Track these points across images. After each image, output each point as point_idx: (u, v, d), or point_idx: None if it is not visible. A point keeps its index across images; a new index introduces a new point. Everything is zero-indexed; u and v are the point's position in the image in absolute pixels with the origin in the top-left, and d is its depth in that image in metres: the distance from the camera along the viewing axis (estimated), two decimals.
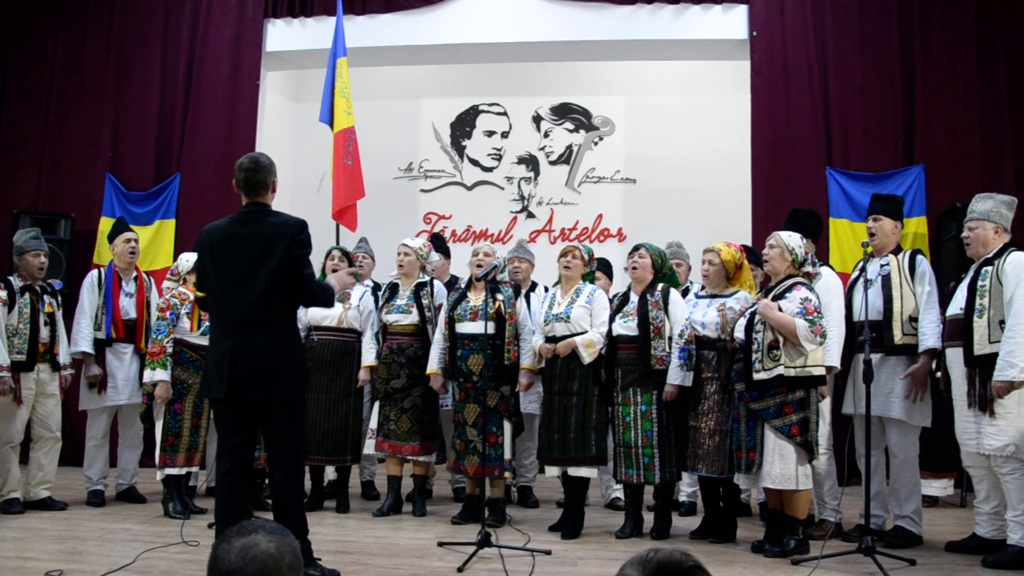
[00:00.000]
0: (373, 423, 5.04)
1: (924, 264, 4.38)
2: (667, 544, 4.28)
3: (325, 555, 3.71)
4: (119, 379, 5.33)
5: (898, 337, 4.30)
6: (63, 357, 5.21)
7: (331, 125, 6.47)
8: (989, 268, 4.02)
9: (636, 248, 4.68)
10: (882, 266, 4.40)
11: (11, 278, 5.03)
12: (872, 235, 4.50)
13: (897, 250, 4.48)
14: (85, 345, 5.27)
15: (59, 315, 5.22)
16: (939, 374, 4.26)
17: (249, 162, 3.54)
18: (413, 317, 5.05)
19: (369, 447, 5.06)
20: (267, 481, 5.21)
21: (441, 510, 5.14)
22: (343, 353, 5.14)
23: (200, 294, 3.77)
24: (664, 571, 1.44)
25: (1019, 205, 4.31)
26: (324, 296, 3.65)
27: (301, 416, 3.57)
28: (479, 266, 4.83)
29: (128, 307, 5.39)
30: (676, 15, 7.06)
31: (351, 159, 6.41)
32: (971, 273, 4.12)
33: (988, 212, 4.13)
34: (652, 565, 1.45)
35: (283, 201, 3.69)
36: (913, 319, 4.30)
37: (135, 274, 5.49)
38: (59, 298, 5.29)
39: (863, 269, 4.42)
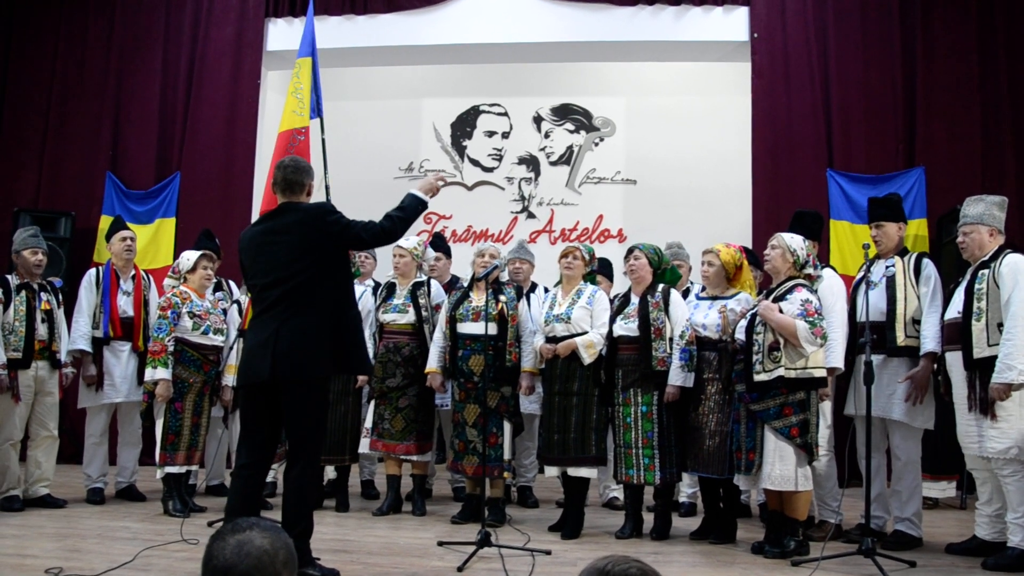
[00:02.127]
0: (368, 422, 5.04)
1: (929, 267, 4.35)
2: (667, 546, 4.29)
3: (324, 554, 3.71)
4: (117, 377, 5.32)
5: (901, 339, 4.29)
6: (64, 355, 5.21)
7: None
8: (985, 271, 4.01)
9: (630, 251, 4.68)
10: (887, 267, 4.38)
11: (9, 276, 5.03)
12: (877, 243, 4.49)
13: (903, 252, 4.46)
14: (83, 343, 5.27)
15: (60, 313, 5.22)
16: (940, 377, 4.25)
17: (290, 161, 3.69)
18: (410, 316, 5.05)
19: (363, 446, 5.05)
20: (265, 479, 5.21)
21: (441, 510, 5.13)
22: None
23: None
24: None
25: (1011, 205, 4.29)
26: (405, 215, 3.53)
27: (317, 411, 3.52)
28: (484, 266, 4.83)
29: (126, 305, 5.38)
30: (677, 16, 7.06)
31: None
32: (968, 276, 4.11)
33: (981, 215, 4.12)
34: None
35: None
36: (916, 321, 4.28)
37: (133, 272, 5.48)
38: (60, 296, 5.29)
39: (868, 270, 4.41)
